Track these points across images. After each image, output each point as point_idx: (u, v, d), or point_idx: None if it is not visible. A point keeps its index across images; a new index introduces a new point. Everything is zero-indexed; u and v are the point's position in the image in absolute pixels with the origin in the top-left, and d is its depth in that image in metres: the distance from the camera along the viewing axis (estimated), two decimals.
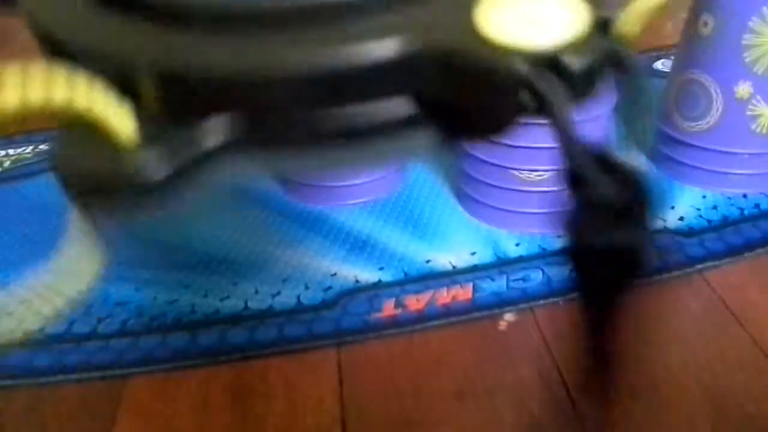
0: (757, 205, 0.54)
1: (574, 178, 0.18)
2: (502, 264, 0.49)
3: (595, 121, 0.48)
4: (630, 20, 0.23)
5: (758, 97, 0.51)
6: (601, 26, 0.20)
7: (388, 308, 0.45)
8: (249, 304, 0.46)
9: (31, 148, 0.68)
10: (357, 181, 0.55)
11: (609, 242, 0.18)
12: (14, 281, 0.52)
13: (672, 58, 0.58)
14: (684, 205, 0.54)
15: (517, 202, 0.50)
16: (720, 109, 0.52)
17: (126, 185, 0.19)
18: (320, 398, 0.39)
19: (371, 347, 0.42)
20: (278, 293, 0.47)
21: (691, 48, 0.53)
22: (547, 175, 0.49)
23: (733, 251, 0.49)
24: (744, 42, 0.50)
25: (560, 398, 0.38)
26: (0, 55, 0.94)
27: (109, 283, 0.48)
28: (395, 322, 0.44)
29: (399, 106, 0.20)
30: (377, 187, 0.56)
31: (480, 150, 0.50)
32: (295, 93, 0.19)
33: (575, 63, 0.19)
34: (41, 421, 0.38)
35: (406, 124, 0.20)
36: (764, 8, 0.48)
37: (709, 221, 0.52)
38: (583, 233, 0.18)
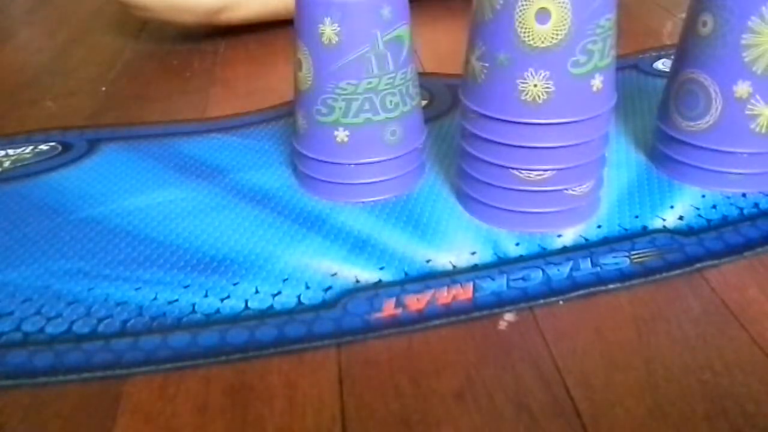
0: (756, 205, 0.54)
1: None
2: (502, 264, 0.49)
3: (595, 120, 0.48)
4: None
5: (757, 96, 0.51)
6: None
7: (389, 308, 0.45)
8: (249, 304, 0.46)
9: (30, 148, 0.68)
10: (377, 179, 0.55)
11: None
12: (14, 281, 0.52)
13: (672, 58, 0.58)
14: (683, 204, 0.54)
15: (517, 202, 0.50)
16: (719, 109, 0.52)
17: None
18: (320, 398, 0.39)
19: (371, 347, 0.42)
20: (279, 293, 0.47)
21: (690, 47, 0.53)
22: (547, 174, 0.49)
23: (733, 251, 0.49)
24: (743, 41, 0.50)
25: (560, 398, 0.38)
26: (0, 53, 0.94)
27: (109, 282, 0.48)
28: (395, 322, 0.44)
29: None
30: (396, 186, 0.56)
31: (480, 149, 0.50)
32: None
33: None
34: (41, 421, 0.38)
35: None
36: (764, 8, 0.48)
37: (708, 221, 0.52)
38: None
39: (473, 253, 0.50)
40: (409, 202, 0.56)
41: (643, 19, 0.95)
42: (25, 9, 1.15)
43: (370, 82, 0.51)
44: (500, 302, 0.45)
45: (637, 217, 0.53)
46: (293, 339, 0.43)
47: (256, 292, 0.47)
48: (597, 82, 0.46)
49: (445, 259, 0.49)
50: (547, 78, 0.45)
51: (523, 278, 0.47)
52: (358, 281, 0.48)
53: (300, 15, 0.51)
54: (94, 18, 1.08)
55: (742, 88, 0.51)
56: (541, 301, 0.45)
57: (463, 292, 0.46)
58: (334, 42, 0.50)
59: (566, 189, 0.50)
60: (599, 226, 0.52)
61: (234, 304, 0.46)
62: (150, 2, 0.87)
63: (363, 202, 0.56)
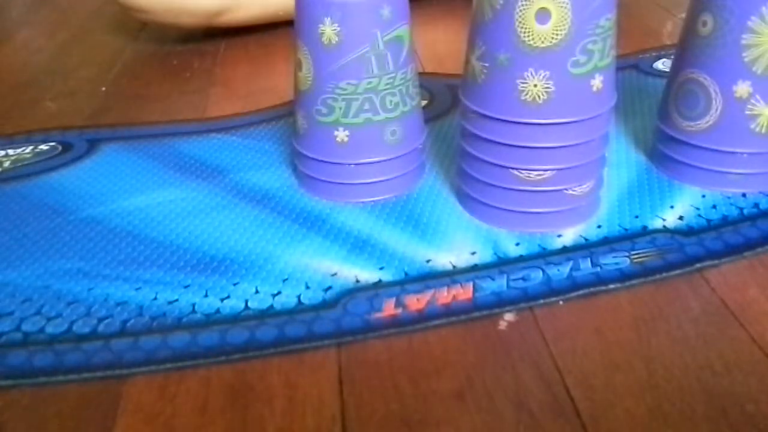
0: (756, 205, 0.54)
1: None
2: (502, 263, 0.49)
3: (595, 120, 0.48)
4: None
5: (757, 96, 0.51)
6: None
7: (389, 308, 0.45)
8: (249, 304, 0.46)
9: (30, 148, 0.68)
10: (377, 179, 0.55)
11: None
12: (14, 281, 0.52)
13: (672, 58, 0.58)
14: (683, 204, 0.54)
15: (517, 202, 0.50)
16: (719, 109, 0.52)
17: None
18: (320, 398, 0.39)
19: (371, 347, 0.42)
20: (279, 293, 0.47)
21: (690, 47, 0.53)
22: (547, 174, 0.49)
23: (733, 251, 0.49)
24: (743, 41, 0.50)
25: (560, 398, 0.38)
26: (0, 53, 0.94)
27: (109, 282, 0.48)
28: (395, 322, 0.44)
29: None
30: (396, 186, 0.56)
31: (480, 149, 0.50)
32: None
33: None
34: (41, 421, 0.38)
35: None
36: (764, 8, 0.48)
37: (708, 221, 0.52)
38: None
39: (473, 253, 0.50)
40: (409, 202, 0.56)
41: (643, 19, 0.95)
42: (25, 9, 1.15)
43: (370, 82, 0.51)
44: (500, 302, 0.45)
45: (637, 217, 0.53)
46: (293, 339, 0.43)
47: (256, 292, 0.47)
48: (597, 82, 0.46)
49: (445, 259, 0.49)
50: (547, 78, 0.45)
51: (523, 278, 0.47)
52: (358, 281, 0.48)
53: (300, 15, 0.51)
54: (93, 18, 1.08)
55: (742, 88, 0.51)
56: (541, 301, 0.45)
57: (463, 292, 0.46)
58: (334, 42, 0.50)
59: (566, 189, 0.50)
60: (599, 226, 0.52)
61: (234, 304, 0.46)
62: (149, 4, 0.87)
63: (363, 202, 0.56)
